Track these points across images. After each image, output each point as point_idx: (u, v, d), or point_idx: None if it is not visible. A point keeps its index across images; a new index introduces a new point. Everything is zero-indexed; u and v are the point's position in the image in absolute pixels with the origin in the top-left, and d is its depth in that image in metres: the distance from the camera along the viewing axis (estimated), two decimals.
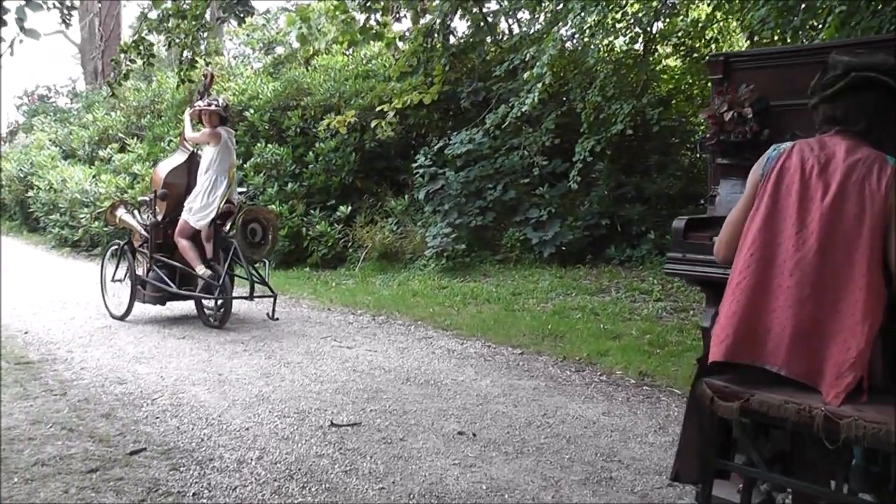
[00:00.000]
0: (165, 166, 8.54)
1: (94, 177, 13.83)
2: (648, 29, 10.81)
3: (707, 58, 4.64)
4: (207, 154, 8.16)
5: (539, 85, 9.04)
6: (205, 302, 8.20)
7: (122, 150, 15.48)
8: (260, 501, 4.01)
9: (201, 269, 7.92)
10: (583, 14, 9.13)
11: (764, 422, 2.65)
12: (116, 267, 8.56)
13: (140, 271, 8.34)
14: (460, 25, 13.66)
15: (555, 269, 10.29)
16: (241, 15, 9.35)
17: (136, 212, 8.58)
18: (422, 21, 12.52)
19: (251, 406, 5.50)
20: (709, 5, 10.23)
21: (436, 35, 12.61)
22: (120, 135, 16.10)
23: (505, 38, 13.22)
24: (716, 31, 11.13)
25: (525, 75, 9.66)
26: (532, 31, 12.12)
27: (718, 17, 10.61)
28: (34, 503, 3.96)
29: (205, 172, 8.09)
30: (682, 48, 11.55)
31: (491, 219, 11.29)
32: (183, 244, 8.07)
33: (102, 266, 8.80)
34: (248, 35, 18.75)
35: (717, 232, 3.03)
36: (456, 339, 7.66)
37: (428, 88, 12.16)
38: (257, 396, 5.71)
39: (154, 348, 7.14)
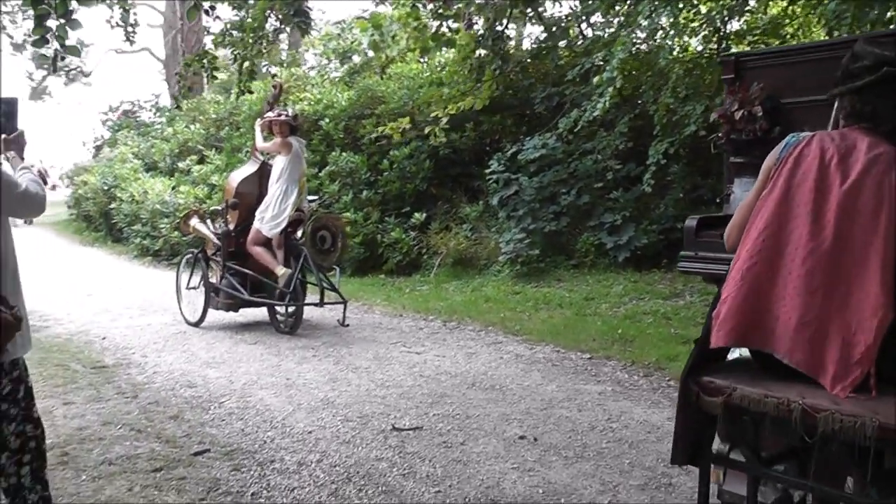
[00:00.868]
0: (237, 176, 8.70)
1: (173, 188, 14.18)
2: (722, 28, 10.58)
3: (719, 57, 4.56)
4: (278, 164, 8.27)
5: (610, 89, 8.93)
6: (277, 308, 8.31)
7: (201, 161, 15.83)
8: (316, 503, 4.04)
9: (281, 270, 8.02)
10: (653, 16, 8.99)
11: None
12: (191, 275, 8.75)
13: (213, 279, 8.51)
14: (534, 30, 13.62)
15: (629, 273, 10.14)
16: (304, 27, 9.44)
17: (208, 221, 8.75)
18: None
19: (315, 410, 5.55)
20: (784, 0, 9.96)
21: (486, 40, 12.57)
22: (199, 146, 16.47)
23: (579, 43, 13.12)
24: (795, 27, 10.83)
25: (595, 79, 9.55)
26: (606, 34, 11.98)
27: (798, 12, 10.32)
28: (99, 500, 4.06)
29: (276, 182, 8.21)
30: (758, 46, 11.26)
31: (565, 224, 11.17)
32: (257, 251, 8.20)
33: (178, 274, 9.01)
34: (324, 45, 19.01)
35: None
36: (525, 344, 7.60)
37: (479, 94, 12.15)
38: (322, 401, 5.76)
39: (225, 353, 7.26)
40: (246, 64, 9.40)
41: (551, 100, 12.42)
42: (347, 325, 8.17)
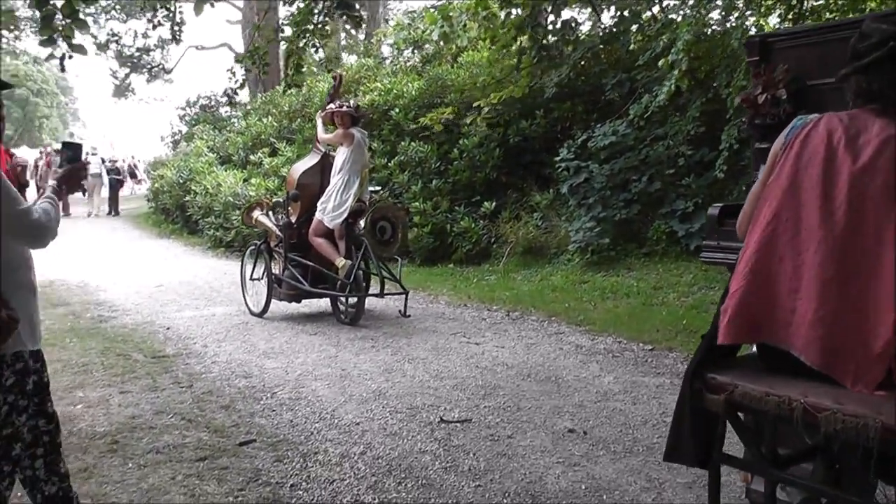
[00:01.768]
0: (299, 167, 8.72)
1: (244, 180, 14.34)
2: (798, 4, 10.16)
3: (745, 39, 4.31)
4: (340, 154, 8.27)
5: (675, 72, 8.66)
6: (339, 299, 8.31)
7: (273, 153, 15.99)
8: (354, 496, 4.00)
9: (341, 261, 8.01)
10: None
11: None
12: (254, 266, 8.82)
13: (276, 270, 8.55)
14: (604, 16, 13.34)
15: (700, 261, 9.84)
16: (356, 19, 9.37)
17: (271, 213, 8.80)
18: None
19: (366, 401, 5.51)
20: None
21: (526, 28, 12.37)
22: (272, 139, 16.64)
23: (651, 26, 12.79)
24: (878, 2, 10.34)
25: (660, 62, 9.29)
26: (680, 16, 11.64)
27: None
28: (142, 488, 4.10)
29: (338, 172, 8.20)
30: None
31: (636, 211, 10.92)
32: (318, 241, 8.22)
33: (242, 265, 9.09)
34: (395, 35, 19.00)
35: None
36: (587, 335, 7.45)
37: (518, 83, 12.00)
38: (374, 392, 5.72)
39: (284, 344, 7.29)
40: (293, 58, 9.38)
41: (623, 85, 12.14)
42: (409, 316, 8.13)
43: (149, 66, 31.45)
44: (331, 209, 8.14)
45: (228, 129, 19.90)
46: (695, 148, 10.70)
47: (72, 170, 3.06)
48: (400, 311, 8.13)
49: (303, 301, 8.66)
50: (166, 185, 19.22)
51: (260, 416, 5.25)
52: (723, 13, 9.72)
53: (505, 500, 3.90)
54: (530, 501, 3.87)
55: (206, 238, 15.68)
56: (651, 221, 10.91)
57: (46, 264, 8.31)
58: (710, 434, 2.56)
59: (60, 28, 5.58)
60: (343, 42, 28.59)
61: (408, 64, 17.42)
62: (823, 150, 2.37)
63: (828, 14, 10.20)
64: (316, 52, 10.16)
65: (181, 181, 18.04)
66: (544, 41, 12.64)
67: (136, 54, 30.22)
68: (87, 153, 25.27)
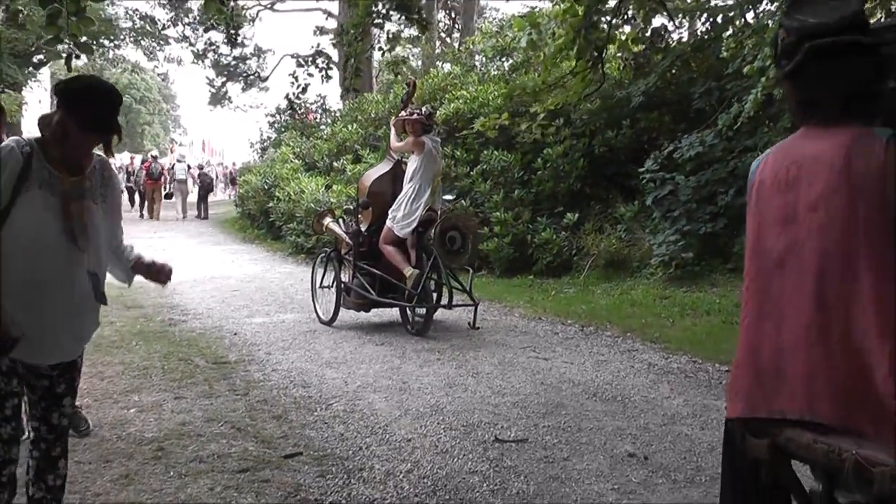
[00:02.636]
0: (371, 175, 8.64)
1: (326, 187, 14.39)
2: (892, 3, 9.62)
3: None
4: (412, 163, 8.15)
5: (763, 79, 8.27)
6: (409, 309, 8.16)
7: (357, 160, 16.00)
8: None
9: (409, 270, 7.88)
10: None
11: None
12: (324, 273, 8.75)
13: (345, 278, 8.47)
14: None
15: None
16: (422, 23, 9.25)
17: (341, 220, 8.72)
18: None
19: (422, 417, 5.34)
20: None
21: (583, 31, 12.01)
22: (356, 146, 16.67)
23: (745, 33, 12.34)
24: None
25: (745, 69, 8.89)
26: (771, 23, 11.18)
27: None
28: (178, 499, 4.01)
29: (409, 181, 8.08)
30: None
31: (722, 225, 10.51)
32: (388, 250, 8.10)
33: (313, 272, 9.01)
34: (483, 43, 18.86)
35: None
36: (661, 353, 7.14)
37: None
38: (432, 407, 5.55)
39: (348, 353, 7.17)
40: (351, 62, 9.31)
41: (712, 94, 11.75)
42: (478, 328, 7.94)
43: (244, 75, 32.08)
44: (400, 218, 8.02)
45: (317, 135, 20.06)
46: None
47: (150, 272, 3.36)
48: (469, 323, 7.95)
49: (372, 310, 8.55)
50: (252, 191, 19.50)
51: (311, 428, 5.12)
52: None
53: None
54: None
55: (287, 244, 15.80)
56: (737, 236, 10.47)
57: None
58: (754, 485, 2.27)
59: (66, 26, 5.56)
60: (438, 50, 28.65)
61: (496, 72, 17.27)
62: (777, 198, 2.15)
63: None
64: (383, 55, 10.05)
65: (266, 187, 18.26)
66: (597, 44, 12.31)
67: (233, 63, 30.89)
68: (175, 161, 26.03)
